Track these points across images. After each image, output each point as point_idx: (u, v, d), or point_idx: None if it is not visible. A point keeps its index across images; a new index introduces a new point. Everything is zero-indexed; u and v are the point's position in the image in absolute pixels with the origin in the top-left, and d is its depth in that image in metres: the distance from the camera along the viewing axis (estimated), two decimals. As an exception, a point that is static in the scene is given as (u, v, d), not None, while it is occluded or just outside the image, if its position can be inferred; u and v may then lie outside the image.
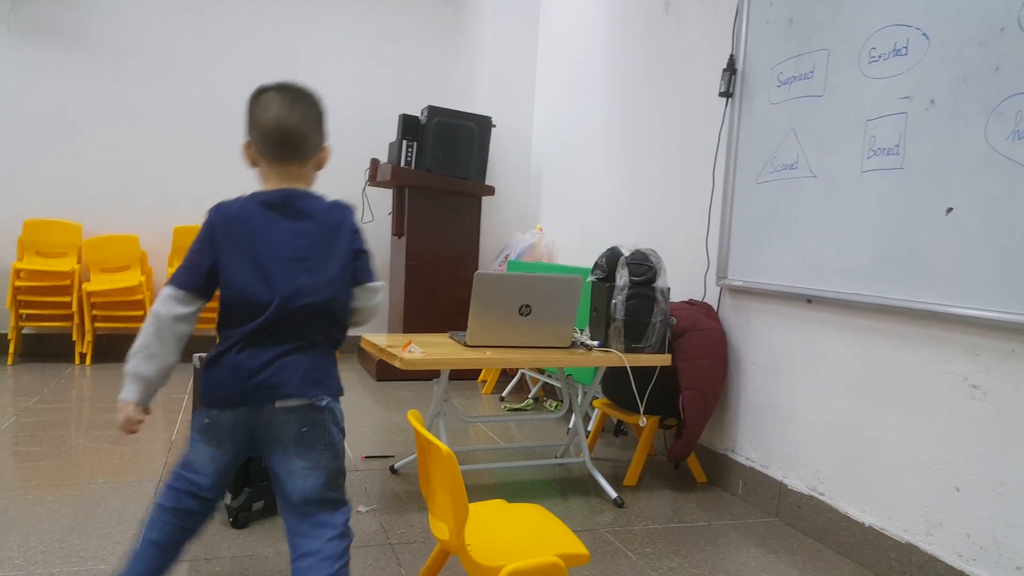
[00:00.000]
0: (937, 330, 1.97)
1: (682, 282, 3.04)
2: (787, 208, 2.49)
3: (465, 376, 4.56)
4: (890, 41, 2.11)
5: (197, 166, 4.89)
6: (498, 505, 1.76)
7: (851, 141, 2.23)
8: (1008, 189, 1.76)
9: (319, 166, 1.69)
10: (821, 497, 2.34)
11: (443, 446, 1.47)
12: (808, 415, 2.42)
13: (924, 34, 2.01)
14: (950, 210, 1.91)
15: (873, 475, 2.16)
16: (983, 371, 1.85)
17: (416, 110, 4.54)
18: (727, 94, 2.79)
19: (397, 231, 4.61)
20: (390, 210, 4.82)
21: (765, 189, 2.60)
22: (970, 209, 1.86)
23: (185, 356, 2.51)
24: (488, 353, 2.43)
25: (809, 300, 2.41)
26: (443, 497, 1.53)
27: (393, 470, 2.78)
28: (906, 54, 2.06)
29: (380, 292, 1.62)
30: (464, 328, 2.51)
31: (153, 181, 4.82)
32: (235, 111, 4.92)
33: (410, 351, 2.34)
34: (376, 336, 2.64)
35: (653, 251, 2.62)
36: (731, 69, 2.77)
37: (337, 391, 1.56)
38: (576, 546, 1.52)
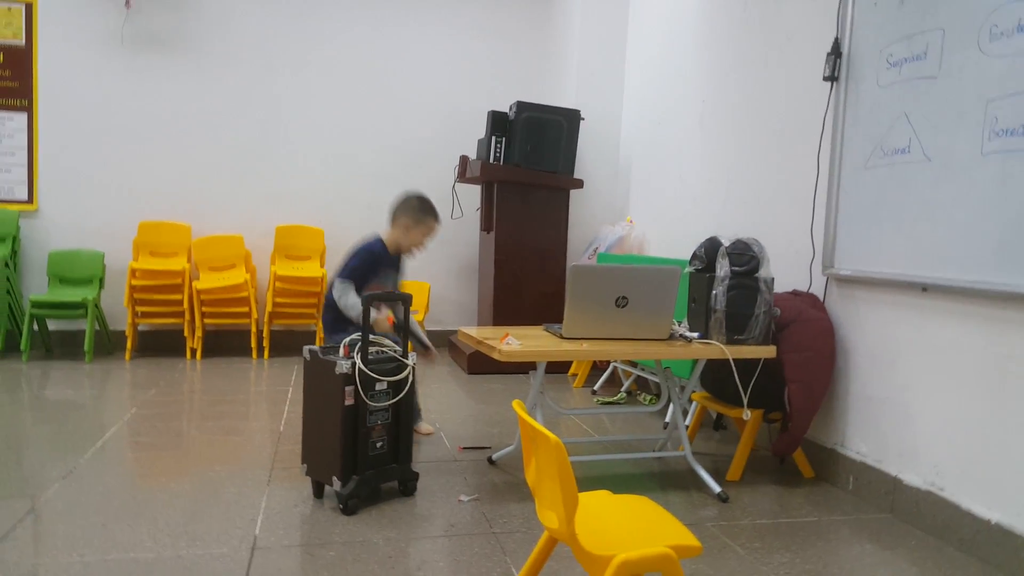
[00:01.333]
0: (1072, 320, 1.85)
1: (786, 272, 2.96)
2: (898, 194, 2.39)
3: (556, 369, 4.58)
4: (1014, 17, 1.99)
5: (296, 167, 5.11)
6: (604, 496, 1.77)
7: (970, 123, 2.11)
8: None
9: None
10: (941, 493, 2.23)
11: (551, 435, 1.49)
12: (925, 408, 2.31)
13: (1054, 5, 1.88)
14: (1087, 192, 1.79)
15: (999, 471, 2.05)
16: None
17: (505, 106, 4.59)
18: (832, 78, 2.69)
19: (486, 226, 4.68)
20: (479, 206, 4.90)
21: (874, 174, 2.50)
22: (1111, 190, 1.73)
23: (295, 350, 2.58)
24: (585, 345, 2.44)
25: (924, 288, 2.30)
26: (551, 486, 1.55)
27: (491, 461, 2.84)
28: (1033, 28, 1.93)
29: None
30: (556, 321, 2.53)
31: (256, 182, 5.06)
32: (332, 111, 5.12)
33: (508, 343, 2.38)
34: (475, 329, 2.69)
35: (755, 240, 2.56)
36: (836, 52, 2.67)
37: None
38: (687, 537, 1.52)
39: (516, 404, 1.78)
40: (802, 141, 2.93)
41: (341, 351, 2.34)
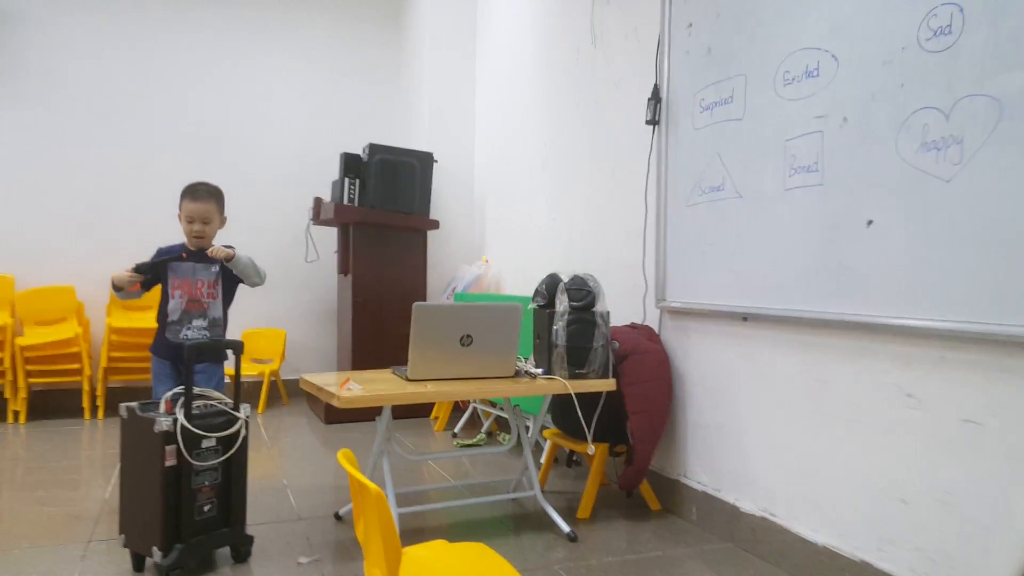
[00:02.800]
0: (870, 341, 2.00)
1: (623, 306, 3.05)
2: (717, 229, 2.53)
3: (417, 413, 4.48)
4: (802, 64, 2.18)
5: (136, 212, 4.77)
6: (439, 547, 1.70)
7: (773, 161, 2.28)
8: (922, 200, 1.81)
9: None
10: (774, 519, 2.32)
11: (371, 485, 1.41)
12: (755, 434, 2.42)
13: (833, 56, 2.07)
14: (870, 223, 1.95)
15: (822, 493, 2.16)
16: (917, 380, 1.87)
17: (358, 148, 4.53)
18: (654, 122, 2.84)
19: (343, 269, 4.56)
20: (335, 248, 4.77)
21: (696, 211, 2.63)
22: (889, 221, 1.90)
23: (112, 409, 2.33)
24: (430, 387, 2.39)
25: (745, 318, 2.43)
26: (375, 540, 1.47)
27: (338, 517, 2.69)
28: (818, 75, 2.12)
29: None
30: (407, 362, 2.46)
31: (90, 229, 4.68)
32: (175, 156, 4.84)
33: (348, 389, 2.28)
34: (316, 376, 2.57)
35: (591, 276, 2.63)
36: (656, 98, 2.83)
37: None
38: (517, 584, 1.48)
39: (342, 455, 1.68)
40: (632, 180, 3.06)
41: (163, 406, 2.15)
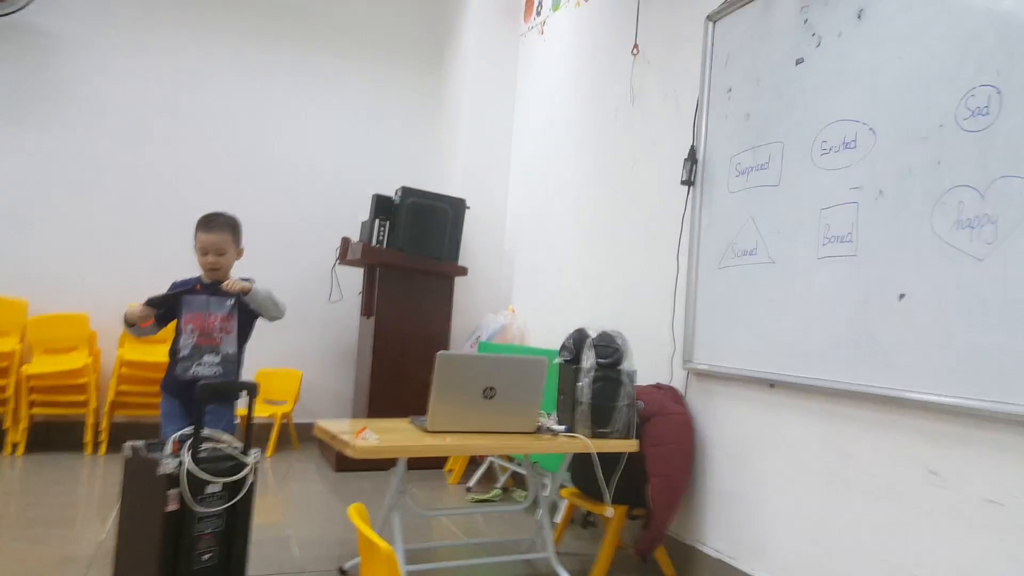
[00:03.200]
0: (897, 415, 1.96)
1: (649, 365, 3.01)
2: (748, 293, 2.51)
3: (430, 464, 4.41)
4: (840, 135, 2.19)
5: (157, 243, 4.78)
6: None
7: (806, 229, 2.27)
8: (955, 276, 1.79)
9: None
10: (791, 592, 2.25)
11: (382, 544, 1.38)
12: (774, 503, 2.35)
13: (871, 129, 2.09)
14: (902, 296, 1.93)
15: (838, 565, 2.09)
16: (941, 457, 1.83)
17: (390, 190, 4.60)
18: (689, 182, 2.86)
19: (366, 311, 4.57)
20: (360, 290, 4.80)
21: (727, 274, 2.62)
22: (921, 295, 1.88)
23: (115, 445, 2.27)
24: (448, 439, 2.35)
25: (772, 384, 2.39)
26: (385, 598, 1.43)
27: (342, 572, 2.63)
28: (855, 147, 2.13)
29: None
30: (427, 412, 2.43)
31: (110, 257, 4.67)
32: (203, 187, 4.90)
33: (364, 438, 2.25)
34: (331, 422, 2.54)
35: (619, 333, 2.61)
36: (692, 159, 2.85)
37: None
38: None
39: (353, 509, 1.65)
40: (664, 240, 3.07)
41: (169, 447, 2.10)
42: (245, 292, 2.59)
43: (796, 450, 2.29)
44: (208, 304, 2.62)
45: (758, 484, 2.43)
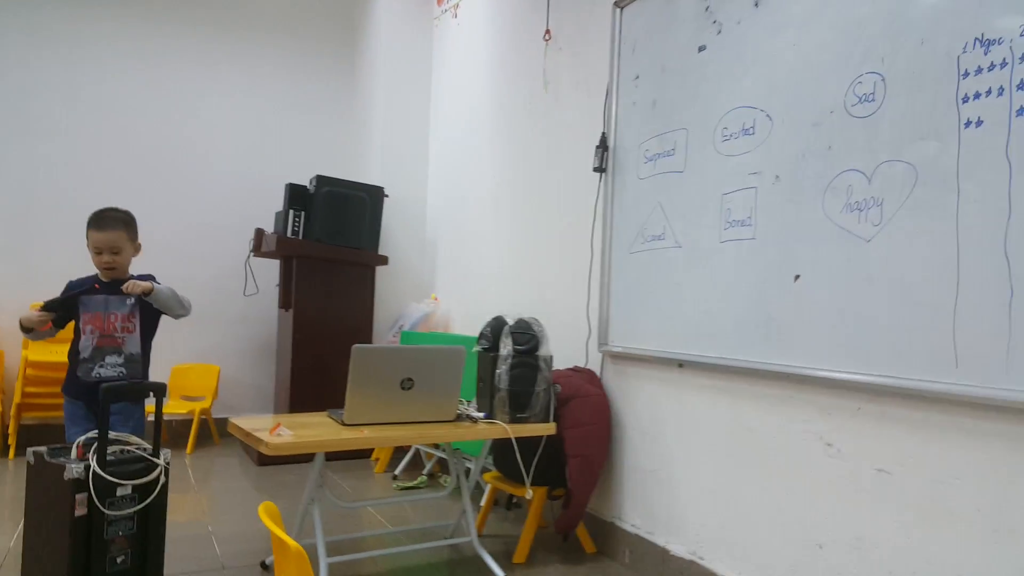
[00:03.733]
0: (794, 391, 2.06)
1: (567, 349, 3.06)
2: (658, 277, 2.58)
3: (356, 455, 4.37)
4: (740, 121, 2.27)
5: (60, 240, 4.54)
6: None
7: (710, 213, 2.35)
8: (845, 257, 1.89)
9: None
10: (701, 562, 2.34)
11: (291, 542, 1.36)
12: (685, 479, 2.45)
13: (768, 115, 2.17)
14: (797, 277, 2.03)
15: (745, 536, 2.19)
16: (836, 429, 1.94)
17: (305, 180, 4.48)
18: (601, 169, 2.90)
19: (284, 303, 4.46)
20: (277, 282, 4.67)
21: (638, 259, 2.69)
22: (815, 276, 1.98)
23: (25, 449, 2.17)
24: (366, 432, 2.33)
25: (680, 364, 2.47)
26: (297, 597, 1.42)
27: (264, 566, 2.60)
28: (753, 133, 2.21)
29: None
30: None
31: (7, 256, 4.43)
32: (108, 178, 4.67)
33: (278, 434, 2.22)
34: (246, 419, 2.49)
35: (536, 320, 2.64)
36: (603, 146, 2.90)
37: None
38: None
39: (263, 508, 1.62)
40: (579, 226, 3.11)
41: (74, 452, 2.03)
42: (147, 293, 2.51)
43: (704, 427, 2.38)
44: (107, 304, 2.53)
45: (670, 461, 2.52)
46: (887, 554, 1.79)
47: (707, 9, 2.44)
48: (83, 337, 2.50)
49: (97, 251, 2.54)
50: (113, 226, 2.55)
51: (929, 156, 1.71)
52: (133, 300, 2.55)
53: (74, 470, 1.94)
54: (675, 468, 2.49)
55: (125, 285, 2.49)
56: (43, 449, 2.05)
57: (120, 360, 2.53)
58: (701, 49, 2.45)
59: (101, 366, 2.50)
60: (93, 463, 1.97)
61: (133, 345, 2.56)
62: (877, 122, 1.84)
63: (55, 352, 4.28)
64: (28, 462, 2.06)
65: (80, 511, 1.95)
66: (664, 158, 2.58)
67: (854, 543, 1.87)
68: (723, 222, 2.29)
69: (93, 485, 1.96)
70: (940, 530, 1.68)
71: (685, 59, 2.52)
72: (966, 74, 1.65)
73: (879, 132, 1.84)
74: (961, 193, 1.64)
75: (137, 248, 2.65)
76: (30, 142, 4.51)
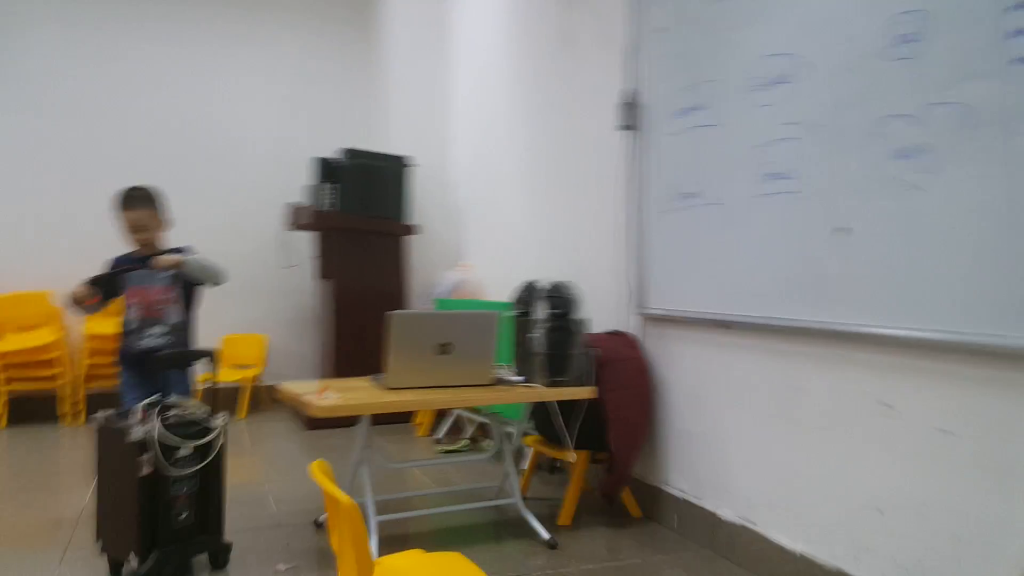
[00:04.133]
0: (847, 350, 2.00)
1: (604, 313, 3.04)
2: (695, 236, 2.53)
3: (399, 419, 4.46)
4: (773, 69, 2.18)
5: (103, 215, 4.65)
6: (414, 556, 1.69)
7: (747, 167, 2.28)
8: (896, 206, 1.81)
9: None
10: (753, 527, 2.32)
11: (343, 497, 1.40)
12: (734, 442, 2.42)
13: (802, 61, 2.07)
14: (847, 230, 1.96)
15: (799, 501, 2.15)
16: (892, 389, 1.87)
17: (331, 153, 4.50)
18: (628, 127, 2.84)
19: (323, 274, 4.53)
20: (315, 253, 4.74)
21: (674, 218, 2.64)
22: (865, 228, 1.90)
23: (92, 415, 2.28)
24: (408, 395, 2.37)
25: (726, 325, 2.43)
26: (348, 552, 1.46)
27: (318, 524, 2.68)
28: (788, 82, 2.12)
29: None
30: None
31: (65, 234, 4.62)
32: (148, 156, 4.79)
33: (325, 398, 2.27)
34: (294, 384, 2.55)
35: (569, 283, 2.62)
36: (629, 103, 2.83)
37: None
38: (490, 595, 1.47)
39: (315, 466, 1.67)
40: (609, 186, 3.05)
41: (138, 415, 2.14)
42: (177, 267, 2.63)
43: (752, 389, 2.34)
44: (146, 278, 2.65)
45: (717, 424, 2.49)
46: (952, 518, 1.72)
47: (741, -46, 2.34)
48: (129, 310, 2.65)
49: (129, 229, 2.68)
50: (141, 204, 2.68)
51: (981, 96, 1.62)
52: (168, 274, 2.66)
53: (138, 432, 2.05)
54: (723, 432, 2.47)
55: (155, 261, 2.62)
56: (108, 414, 2.18)
57: (165, 330, 2.66)
58: (732, -4, 2.36)
59: (147, 336, 2.64)
60: (156, 425, 2.07)
61: (175, 315, 2.69)
62: (922, 62, 1.74)
63: (113, 326, 4.48)
64: (96, 426, 2.18)
65: (146, 470, 2.06)
66: (694, 112, 2.51)
67: (917, 507, 1.80)
68: (762, 176, 2.22)
69: (159, 445, 2.07)
70: (1010, 492, 1.61)
71: (710, 7, 2.42)
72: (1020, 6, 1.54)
73: (925, 73, 1.74)
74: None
75: (167, 222, 2.77)
76: (74, 125, 4.64)
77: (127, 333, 2.66)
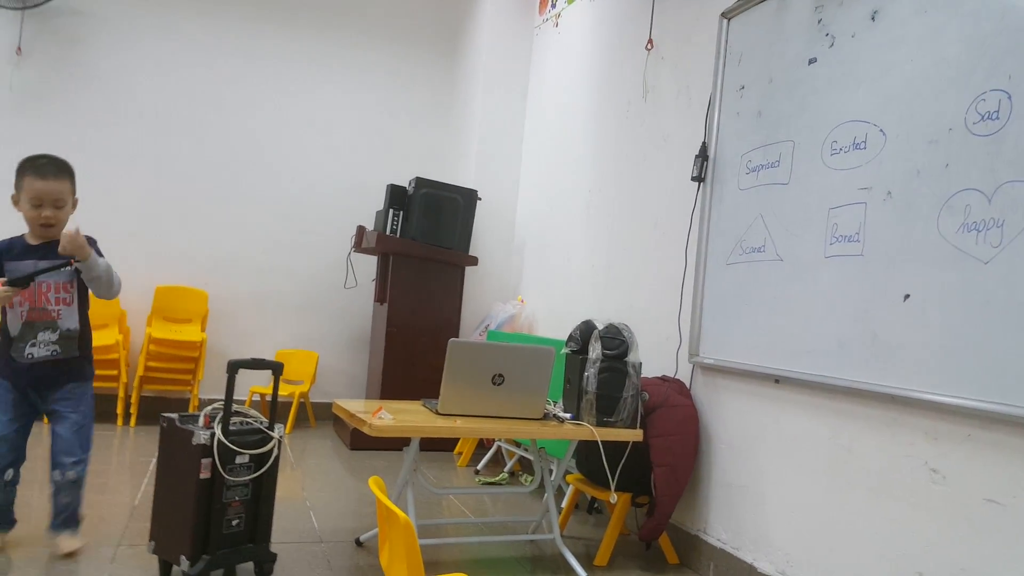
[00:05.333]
0: (899, 413, 2.00)
1: (656, 358, 3.07)
2: (755, 289, 2.56)
3: (441, 447, 4.50)
4: (850, 135, 2.23)
5: (182, 226, 4.93)
6: (460, 580, 1.73)
7: (815, 227, 2.32)
8: (960, 278, 1.83)
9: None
10: (790, 581, 2.31)
11: (401, 514, 1.46)
12: (777, 496, 2.41)
13: (881, 130, 2.12)
14: (907, 297, 1.98)
15: (840, 560, 2.14)
16: (942, 455, 1.87)
17: (404, 181, 4.66)
18: (699, 178, 2.90)
19: (380, 297, 4.65)
20: (374, 277, 4.87)
21: (735, 270, 2.67)
22: (926, 296, 1.92)
23: (154, 418, 2.38)
24: (459, 422, 2.43)
25: (777, 380, 2.44)
26: (400, 568, 1.51)
27: (358, 543, 2.73)
28: (865, 148, 2.17)
29: None
30: (438, 396, 2.51)
31: (137, 240, 4.80)
32: (225, 175, 5.01)
33: (380, 417, 2.34)
34: (349, 402, 2.63)
35: (626, 326, 2.66)
36: (703, 155, 2.89)
37: None
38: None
39: (373, 481, 1.74)
40: (673, 234, 3.11)
41: (201, 420, 2.23)
42: (83, 256, 2.14)
43: (800, 445, 2.34)
44: (36, 269, 2.17)
45: (761, 477, 2.49)
46: (992, 588, 1.72)
47: (819, 22, 2.41)
48: (10, 311, 2.16)
49: (36, 203, 2.14)
50: (59, 175, 2.17)
51: (1058, 177, 1.64)
52: (72, 267, 2.16)
53: (201, 436, 2.14)
54: (766, 485, 2.46)
55: (64, 237, 2.09)
56: (174, 416, 2.27)
57: (54, 337, 2.21)
58: (811, 61, 2.42)
59: (33, 345, 2.18)
60: (218, 430, 2.16)
61: (70, 319, 2.23)
62: (1000, 141, 1.78)
63: (175, 331, 4.66)
64: (161, 426, 2.28)
65: (204, 474, 2.14)
66: (768, 169, 2.56)
67: (957, 574, 1.80)
68: (829, 237, 2.25)
69: (217, 451, 2.14)
70: (1052, 567, 1.61)
71: (794, 71, 2.49)
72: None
73: (1002, 151, 1.77)
74: (1093, 217, 1.57)
75: (75, 203, 2.31)
76: (159, 140, 4.89)
77: (10, 341, 2.18)
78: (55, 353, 2.22)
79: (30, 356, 2.19)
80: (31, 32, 4.59)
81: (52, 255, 2.17)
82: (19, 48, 4.55)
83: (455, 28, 5.60)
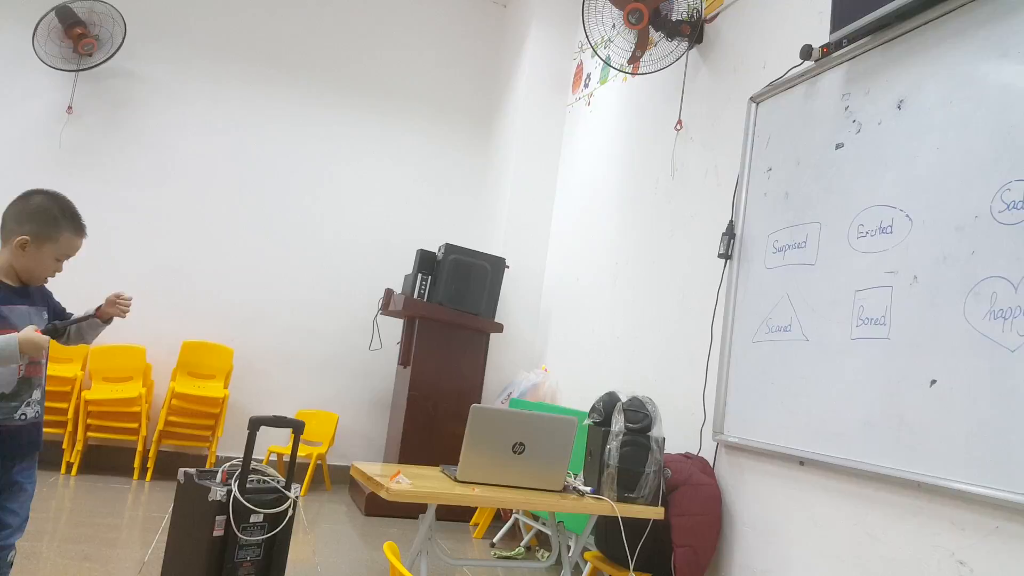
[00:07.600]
0: (925, 502, 1.95)
1: (679, 434, 3.03)
2: (781, 368, 2.54)
3: (457, 517, 4.42)
4: (877, 219, 2.25)
5: (211, 283, 5.03)
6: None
7: (841, 309, 2.32)
8: (987, 366, 1.81)
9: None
10: (814, 676, 2.21)
11: (416, 582, 1.44)
12: (801, 584, 2.33)
13: (907, 216, 2.15)
14: (934, 382, 1.95)
15: (868, 656, 2.05)
16: (969, 547, 1.81)
17: (434, 246, 4.75)
18: (726, 256, 2.93)
19: (404, 360, 4.67)
20: (399, 340, 4.91)
21: (760, 348, 2.66)
22: (953, 383, 1.90)
23: (170, 474, 2.34)
24: (477, 490, 2.40)
25: (802, 462, 2.40)
26: (412, 639, 1.48)
27: (369, 610, 2.67)
28: (891, 232, 2.19)
29: None
30: (457, 463, 2.49)
31: (167, 295, 4.89)
32: (257, 235, 5.15)
33: (398, 482, 2.32)
34: (367, 465, 2.62)
35: (650, 399, 2.65)
36: (730, 234, 2.93)
37: None
38: None
39: (387, 547, 1.72)
40: (699, 310, 3.12)
41: (219, 476, 2.24)
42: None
43: (823, 530, 2.28)
44: (30, 317, 1.89)
45: (785, 562, 2.41)
46: None
47: (846, 109, 2.48)
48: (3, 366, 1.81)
49: (61, 259, 1.96)
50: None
51: (1087, 269, 1.64)
52: (46, 311, 1.96)
53: (218, 492, 2.14)
54: (790, 570, 2.38)
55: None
56: (192, 471, 2.28)
57: (39, 396, 1.92)
58: (839, 147, 2.48)
59: (27, 404, 1.87)
60: (234, 488, 2.16)
61: (44, 376, 1.95)
62: (1027, 230, 1.79)
63: (199, 387, 4.69)
64: (178, 481, 2.29)
65: (218, 531, 2.13)
66: (794, 250, 2.58)
67: (990, 677, 1.72)
68: (855, 319, 2.25)
69: (232, 509, 2.14)
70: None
71: (821, 155, 2.55)
72: None
73: (1030, 240, 1.78)
74: (1124, 310, 1.56)
75: None
76: (198, 199, 5.06)
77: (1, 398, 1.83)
78: (38, 414, 1.92)
79: (23, 417, 1.86)
80: (84, 92, 4.84)
81: (35, 298, 1.95)
82: (70, 107, 4.79)
83: (491, 101, 5.81)
